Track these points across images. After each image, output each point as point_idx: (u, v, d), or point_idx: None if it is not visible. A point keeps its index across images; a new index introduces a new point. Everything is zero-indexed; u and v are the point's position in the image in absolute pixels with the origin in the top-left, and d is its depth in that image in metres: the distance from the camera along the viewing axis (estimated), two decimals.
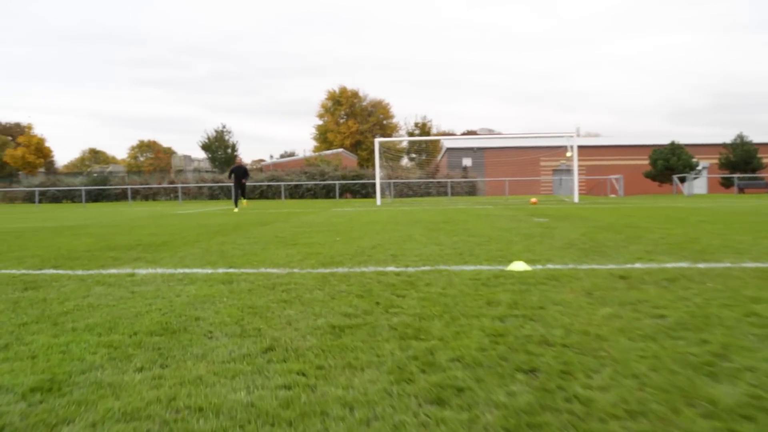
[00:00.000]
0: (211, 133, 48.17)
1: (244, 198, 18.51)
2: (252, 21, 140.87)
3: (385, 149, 35.13)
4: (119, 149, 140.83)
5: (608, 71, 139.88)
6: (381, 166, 27.73)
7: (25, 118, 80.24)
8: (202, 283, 4.27)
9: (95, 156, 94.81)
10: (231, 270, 4.90)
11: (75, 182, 40.54)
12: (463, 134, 73.66)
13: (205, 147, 48.48)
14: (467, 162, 49.92)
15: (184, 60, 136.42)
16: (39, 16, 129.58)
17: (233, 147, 47.73)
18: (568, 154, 30.80)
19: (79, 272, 4.97)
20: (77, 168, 79.84)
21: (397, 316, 3.09)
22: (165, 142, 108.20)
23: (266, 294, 3.78)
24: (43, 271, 5.07)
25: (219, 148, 47.43)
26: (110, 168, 68.65)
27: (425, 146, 59.16)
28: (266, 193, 38.02)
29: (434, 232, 8.26)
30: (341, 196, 36.89)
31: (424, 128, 63.74)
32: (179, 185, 36.38)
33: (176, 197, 38.94)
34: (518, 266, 4.66)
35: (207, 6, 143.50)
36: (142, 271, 4.92)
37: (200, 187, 39.03)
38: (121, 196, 39.01)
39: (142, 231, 9.57)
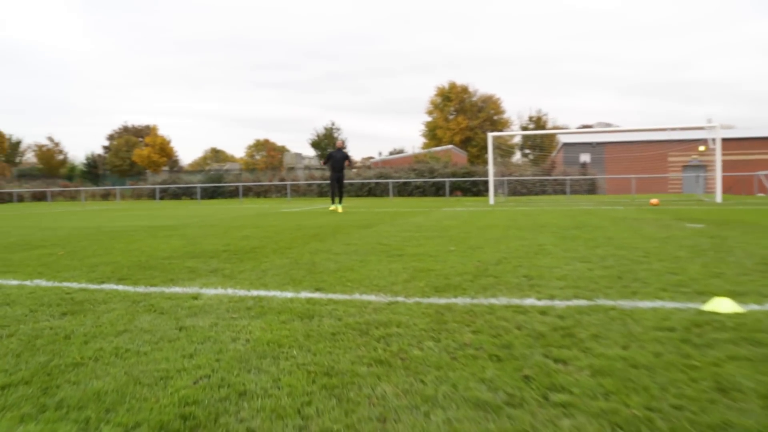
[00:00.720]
0: (321, 131, 48.61)
1: (341, 199, 14.76)
2: (364, 22, 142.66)
3: (497, 145, 33.30)
4: (237, 148, 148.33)
5: (741, 56, 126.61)
6: (494, 163, 26.05)
7: (152, 120, 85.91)
8: (274, 316, 3.17)
9: (216, 155, 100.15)
10: (317, 295, 3.79)
11: (193, 180, 42.29)
12: (580, 128, 69.54)
13: (315, 144, 48.99)
14: (585, 158, 46.68)
15: (299, 62, 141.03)
16: (169, 29, 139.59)
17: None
18: (702, 148, 27.41)
19: (141, 289, 4.09)
20: (200, 166, 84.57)
21: (567, 415, 1.78)
22: (279, 141, 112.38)
23: (355, 344, 2.60)
24: (103, 286, 4.25)
25: (328, 145, 47.66)
26: (227, 166, 71.85)
27: (540, 141, 56.24)
28: (374, 191, 37.48)
29: (569, 242, 6.76)
30: (451, 194, 35.50)
31: (539, 122, 60.70)
32: (288, 183, 36.67)
33: (286, 194, 39.47)
34: (724, 305, 3.15)
35: (321, 10, 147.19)
36: (210, 292, 3.94)
37: (309, 184, 39.24)
38: (234, 193, 40.13)
39: (236, 233, 8.85)
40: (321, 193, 38.96)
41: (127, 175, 53.14)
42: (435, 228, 9.25)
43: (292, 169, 61.58)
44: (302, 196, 39.89)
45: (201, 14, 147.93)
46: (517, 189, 35.46)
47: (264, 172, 48.19)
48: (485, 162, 34.65)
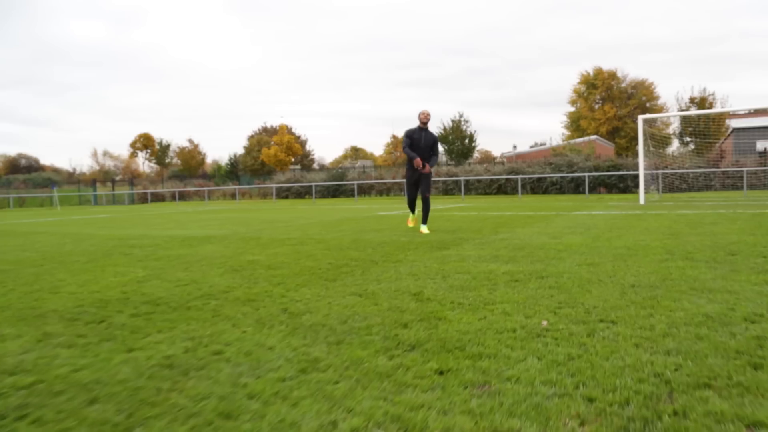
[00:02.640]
0: (448, 124, 45.38)
1: (425, 216, 8.85)
2: (503, 15, 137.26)
3: (650, 134, 27.90)
4: (377, 146, 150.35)
5: None
6: (645, 153, 21.35)
7: (278, 120, 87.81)
8: None
9: (355, 153, 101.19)
10: None
11: (316, 178, 41.31)
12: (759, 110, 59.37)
13: (442, 138, 45.93)
14: (764, 145, 38.94)
15: (438, 59, 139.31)
16: (318, 34, 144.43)
17: (471, 137, 44.25)
18: None
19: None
20: (339, 164, 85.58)
21: None
22: None
23: None
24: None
25: (456, 139, 44.38)
26: (358, 163, 71.23)
27: (704, 126, 48.41)
28: (504, 188, 33.70)
29: None
30: (593, 190, 30.77)
31: (702, 104, 52.42)
32: (405, 180, 34.03)
33: (402, 192, 37.02)
34: None
35: (459, 7, 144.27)
36: None
37: (434, 181, 36.37)
38: (359, 191, 38.45)
39: (252, 254, 6.22)
40: (446, 191, 35.97)
41: (258, 174, 54.09)
42: (542, 252, 5.93)
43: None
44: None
45: (345, 19, 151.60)
46: (674, 184, 29.70)
47: (388, 169, 46.11)
48: (635, 154, 29.51)
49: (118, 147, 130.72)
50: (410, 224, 9.50)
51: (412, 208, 9.52)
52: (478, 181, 34.25)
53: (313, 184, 37.30)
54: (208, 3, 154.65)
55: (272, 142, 60.47)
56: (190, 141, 62.64)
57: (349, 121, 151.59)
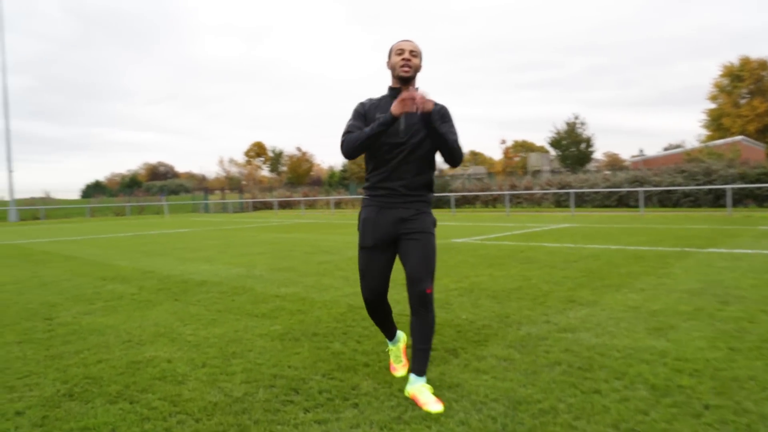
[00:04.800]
0: (562, 127, 40.91)
1: (418, 345, 3.15)
2: (629, 8, 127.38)
3: None
4: (496, 150, 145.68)
5: None
6: None
7: None
8: None
9: (474, 158, 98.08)
10: None
11: None
12: None
13: (555, 143, 41.55)
14: None
15: (559, 59, 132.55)
16: (435, 39, 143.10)
17: (588, 142, 39.55)
18: None
19: None
20: (460, 169, 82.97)
21: None
22: (539, 141, 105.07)
23: None
24: None
25: (571, 144, 39.92)
26: (470, 170, 67.86)
27: None
28: (625, 200, 29.26)
29: None
30: (738, 203, 25.62)
31: None
32: (506, 192, 30.47)
33: (514, 203, 33.57)
34: None
35: (581, 2, 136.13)
36: None
37: (544, 193, 32.63)
38: (461, 202, 35.57)
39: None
40: (558, 203, 32.11)
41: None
42: (623, 408, 3.14)
43: (538, 171, 55.08)
44: (536, 205, 33.51)
45: (461, 22, 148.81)
46: None
47: (506, 177, 42.60)
48: None
49: (241, 155, 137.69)
50: (396, 370, 3.55)
51: (385, 324, 3.54)
52: (596, 192, 30.09)
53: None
54: (330, 15, 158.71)
55: None
56: (298, 149, 63.08)
57: (466, 125, 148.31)
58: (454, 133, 3.17)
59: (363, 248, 3.27)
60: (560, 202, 31.80)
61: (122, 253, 12.31)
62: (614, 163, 77.65)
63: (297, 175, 59.95)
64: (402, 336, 3.66)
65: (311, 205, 45.31)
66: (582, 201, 30.68)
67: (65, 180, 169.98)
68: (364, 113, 3.21)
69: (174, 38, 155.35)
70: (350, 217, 27.60)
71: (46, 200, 54.08)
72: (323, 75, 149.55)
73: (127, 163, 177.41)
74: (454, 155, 3.12)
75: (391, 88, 3.25)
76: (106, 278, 8.37)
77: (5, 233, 23.42)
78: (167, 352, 4.20)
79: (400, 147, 3.12)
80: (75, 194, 74.20)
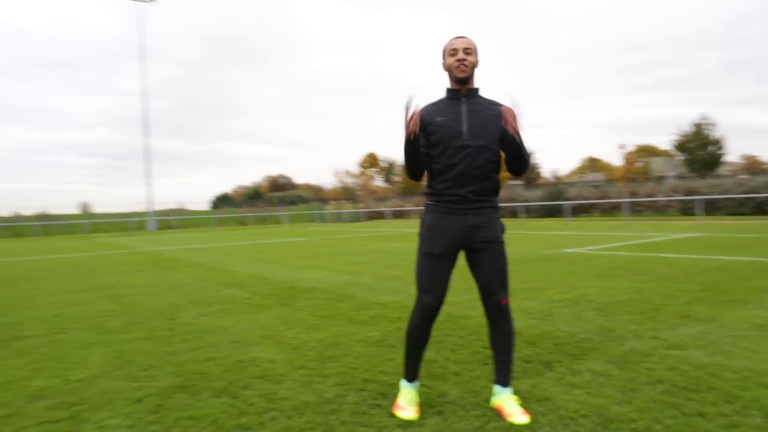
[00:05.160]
0: (688, 129, 37.97)
1: (500, 359, 3.13)
2: None
3: None
4: (615, 156, 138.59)
5: None
6: None
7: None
8: None
9: (592, 164, 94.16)
10: None
11: (531, 196, 37.97)
12: None
13: (680, 147, 38.67)
14: None
15: (685, 56, 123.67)
16: (547, 42, 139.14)
17: (718, 144, 36.41)
18: None
19: None
20: (578, 176, 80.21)
21: None
22: (662, 144, 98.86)
23: None
24: None
25: (699, 147, 36.95)
26: (588, 177, 65.01)
27: None
28: (764, 207, 26.64)
29: None
30: None
31: None
32: (626, 200, 28.64)
33: (639, 211, 31.67)
34: None
35: None
36: None
37: (668, 200, 30.50)
38: (577, 210, 34.18)
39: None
40: (683, 210, 29.88)
41: None
42: None
43: (661, 177, 51.71)
44: (659, 213, 31.42)
45: (571, 24, 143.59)
46: None
47: (623, 183, 40.46)
48: None
49: (356, 166, 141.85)
50: (404, 410, 3.05)
51: (421, 350, 3.18)
52: (729, 199, 27.70)
53: (519, 204, 34.11)
54: (439, 25, 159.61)
55: None
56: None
57: (582, 130, 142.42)
58: (525, 162, 3.06)
59: (429, 255, 3.07)
60: (686, 210, 29.60)
61: (241, 261, 13.12)
62: (752, 166, 70.97)
63: (410, 185, 60.72)
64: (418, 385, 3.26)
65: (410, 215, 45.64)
66: (712, 208, 28.40)
67: (197, 192, 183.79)
68: (422, 125, 3.07)
69: (291, 57, 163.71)
70: None
71: (179, 211, 58.85)
72: (434, 85, 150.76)
73: (251, 175, 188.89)
74: (521, 164, 3.04)
75: (449, 90, 3.13)
76: (224, 283, 8.98)
77: (144, 242, 25.79)
78: (270, 354, 4.46)
79: (464, 151, 2.99)
80: (205, 205, 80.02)
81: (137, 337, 5.26)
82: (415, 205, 47.80)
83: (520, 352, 4.18)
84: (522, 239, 16.52)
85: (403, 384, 3.18)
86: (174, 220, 49.12)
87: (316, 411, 3.15)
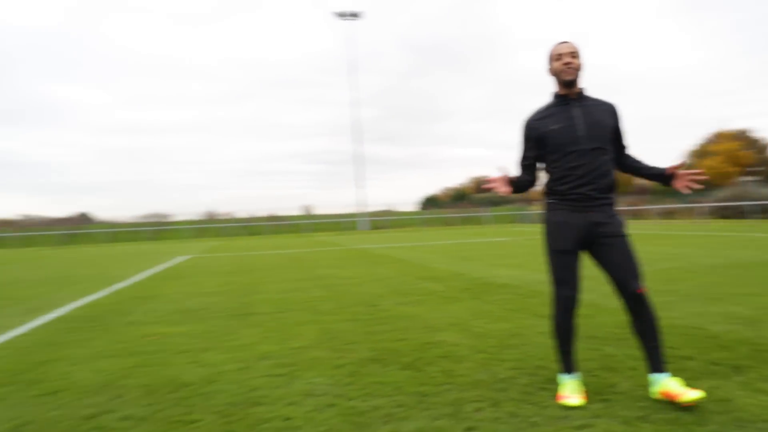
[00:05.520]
0: None
1: (650, 341, 3.15)
2: None
3: None
4: None
5: None
6: None
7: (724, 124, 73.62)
8: None
9: None
10: None
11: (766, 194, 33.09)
12: None
13: None
14: None
15: None
16: None
17: None
18: None
19: None
20: None
21: None
22: None
23: None
24: None
25: None
26: None
27: None
28: None
29: None
30: None
31: None
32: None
33: None
34: None
35: None
36: None
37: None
38: None
39: None
40: None
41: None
42: None
43: None
44: None
45: None
46: None
47: None
48: None
49: None
50: (568, 398, 3.14)
51: (572, 340, 3.32)
52: None
53: (750, 202, 29.93)
54: (651, 11, 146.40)
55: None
56: None
57: None
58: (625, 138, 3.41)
59: (561, 252, 3.23)
60: None
61: (442, 258, 13.79)
62: None
63: (620, 184, 56.92)
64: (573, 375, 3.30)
65: (637, 215, 42.46)
66: None
67: (405, 194, 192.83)
68: (534, 136, 3.32)
69: (492, 57, 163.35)
70: (674, 228, 25.05)
71: (388, 212, 62.51)
72: (642, 72, 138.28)
73: (457, 177, 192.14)
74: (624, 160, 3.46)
75: (556, 95, 3.32)
76: (422, 277, 9.63)
77: (355, 240, 28.12)
78: (455, 338, 4.86)
79: (584, 153, 3.16)
80: (413, 206, 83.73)
81: (343, 319, 6.05)
82: (628, 204, 44.68)
83: (709, 354, 4.00)
84: (747, 242, 14.68)
85: (563, 377, 3.31)
86: (383, 221, 52.38)
87: (488, 388, 3.46)
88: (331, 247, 21.48)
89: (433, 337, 4.95)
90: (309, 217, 64.58)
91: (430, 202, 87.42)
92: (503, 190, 3.35)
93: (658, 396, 3.09)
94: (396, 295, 7.65)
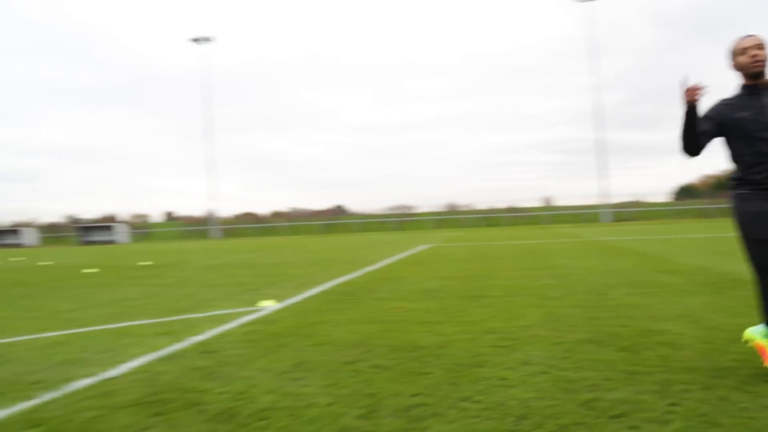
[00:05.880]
0: None
1: None
2: None
3: None
4: None
5: None
6: None
7: None
8: None
9: None
10: None
11: None
12: None
13: None
14: None
15: None
16: None
17: None
18: None
19: None
20: None
21: None
22: None
23: None
24: None
25: None
26: None
27: None
28: None
29: None
30: None
31: None
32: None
33: None
34: None
35: None
36: None
37: None
38: None
39: None
40: None
41: None
42: None
43: None
44: None
45: None
46: None
47: None
48: None
49: None
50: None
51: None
52: None
53: None
54: None
55: None
56: None
57: None
58: None
59: (759, 241, 3.26)
60: None
61: (689, 252, 12.83)
62: None
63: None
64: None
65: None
66: None
67: (656, 184, 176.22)
68: (719, 119, 3.31)
69: (757, 23, 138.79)
70: None
71: (635, 203, 58.14)
72: None
73: (718, 163, 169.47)
74: None
75: (745, 86, 3.27)
76: (660, 270, 9.24)
77: (595, 232, 27.05)
78: (680, 329, 4.82)
79: None
80: (664, 197, 76.46)
81: (568, 305, 6.31)
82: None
83: None
84: None
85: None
86: (629, 212, 49.02)
87: (704, 374, 3.52)
88: (569, 239, 21.16)
89: (657, 326, 4.98)
90: (548, 208, 63.36)
91: (686, 192, 78.72)
92: (693, 95, 3.16)
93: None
94: (627, 286, 7.57)
